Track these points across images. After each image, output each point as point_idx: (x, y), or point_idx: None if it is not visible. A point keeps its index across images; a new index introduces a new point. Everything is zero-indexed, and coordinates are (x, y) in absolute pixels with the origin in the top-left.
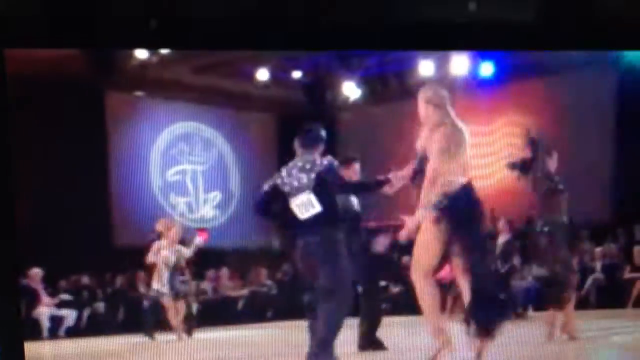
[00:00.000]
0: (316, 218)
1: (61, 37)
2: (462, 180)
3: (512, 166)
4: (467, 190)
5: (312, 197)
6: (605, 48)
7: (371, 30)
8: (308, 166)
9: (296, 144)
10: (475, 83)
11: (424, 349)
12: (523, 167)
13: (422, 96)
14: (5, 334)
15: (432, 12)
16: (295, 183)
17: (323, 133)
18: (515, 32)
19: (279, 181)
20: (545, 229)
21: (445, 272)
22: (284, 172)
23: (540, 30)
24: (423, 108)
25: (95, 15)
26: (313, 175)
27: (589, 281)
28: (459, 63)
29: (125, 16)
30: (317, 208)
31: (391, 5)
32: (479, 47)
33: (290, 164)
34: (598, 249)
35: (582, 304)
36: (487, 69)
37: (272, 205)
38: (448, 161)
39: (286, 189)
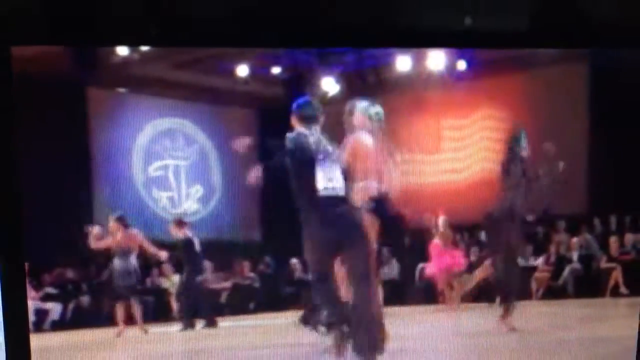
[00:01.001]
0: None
1: (62, 35)
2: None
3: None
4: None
5: (339, 171)
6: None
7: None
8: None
9: (295, 119)
10: (452, 76)
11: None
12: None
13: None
14: (11, 327)
15: (427, 24)
16: (330, 148)
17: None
18: (510, 42)
19: (311, 140)
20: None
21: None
22: (311, 138)
23: (536, 41)
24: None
25: (95, 13)
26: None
27: (566, 271)
28: (436, 57)
29: (126, 15)
30: (339, 183)
31: (384, 15)
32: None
33: (309, 134)
34: (575, 239)
35: (560, 294)
36: (463, 63)
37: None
38: None
39: (320, 156)
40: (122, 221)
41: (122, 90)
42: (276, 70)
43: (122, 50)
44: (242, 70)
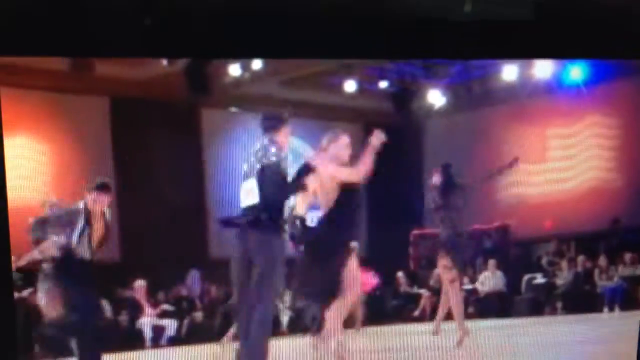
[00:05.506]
0: (254, 209)
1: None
2: None
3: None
4: None
5: (255, 185)
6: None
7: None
8: (260, 153)
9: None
10: (558, 86)
11: None
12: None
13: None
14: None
15: (427, 13)
16: (246, 166)
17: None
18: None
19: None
20: None
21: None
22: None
23: (537, 32)
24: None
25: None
26: (259, 166)
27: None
28: (543, 66)
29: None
30: (255, 199)
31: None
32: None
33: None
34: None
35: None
36: (571, 72)
37: None
38: None
39: (243, 172)
40: None
41: (232, 109)
42: (383, 84)
43: (232, 69)
44: (350, 86)
